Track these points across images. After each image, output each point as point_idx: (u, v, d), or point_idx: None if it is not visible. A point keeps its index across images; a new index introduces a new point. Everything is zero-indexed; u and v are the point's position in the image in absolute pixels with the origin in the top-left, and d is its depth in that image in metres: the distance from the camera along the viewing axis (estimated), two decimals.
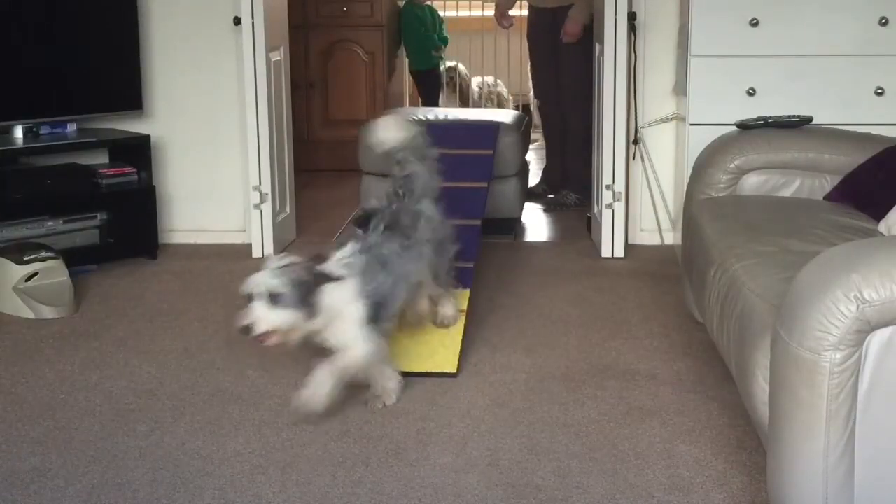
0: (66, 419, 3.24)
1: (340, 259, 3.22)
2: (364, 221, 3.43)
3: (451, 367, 3.60)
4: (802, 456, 2.30)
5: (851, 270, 2.23)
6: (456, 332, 3.78)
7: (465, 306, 3.93)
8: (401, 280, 3.36)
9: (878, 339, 2.24)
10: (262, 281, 3.01)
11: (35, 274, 4.27)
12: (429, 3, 8.04)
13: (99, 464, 2.94)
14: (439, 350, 3.68)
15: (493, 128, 5.28)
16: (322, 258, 3.18)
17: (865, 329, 2.22)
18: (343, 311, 3.15)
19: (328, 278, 3.10)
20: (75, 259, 4.63)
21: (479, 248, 4.30)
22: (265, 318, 3.00)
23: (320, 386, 3.11)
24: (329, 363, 3.14)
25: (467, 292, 3.99)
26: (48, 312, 4.19)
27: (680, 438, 3.07)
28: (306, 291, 3.03)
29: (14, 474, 2.88)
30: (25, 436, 3.13)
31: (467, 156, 4.92)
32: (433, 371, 3.57)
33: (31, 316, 4.18)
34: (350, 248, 3.28)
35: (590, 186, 5.44)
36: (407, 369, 3.56)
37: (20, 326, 4.11)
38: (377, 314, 3.23)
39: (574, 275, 4.77)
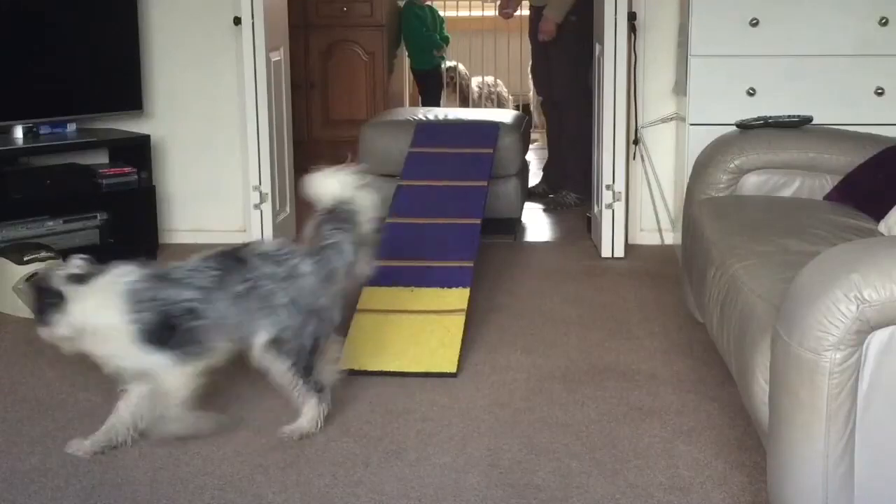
0: (66, 419, 3.24)
1: (114, 276, 2.97)
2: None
3: (451, 367, 3.60)
4: (802, 456, 2.30)
5: (851, 270, 2.23)
6: (456, 332, 3.78)
7: (465, 306, 3.93)
8: (210, 317, 2.99)
9: (878, 339, 2.24)
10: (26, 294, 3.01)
11: (35, 274, 4.26)
12: (429, 3, 8.04)
13: (99, 464, 2.94)
14: (439, 350, 3.68)
15: (493, 127, 5.28)
16: (90, 274, 2.99)
17: (865, 329, 2.22)
18: (101, 328, 2.93)
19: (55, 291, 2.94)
20: None
21: (479, 247, 4.30)
22: (41, 331, 3.01)
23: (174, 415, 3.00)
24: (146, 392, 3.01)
25: (467, 292, 4.00)
26: None
27: (680, 438, 3.07)
28: (41, 304, 2.96)
29: (14, 474, 2.88)
30: (25, 436, 3.13)
31: (467, 155, 4.92)
32: (433, 371, 3.57)
33: (32, 316, 4.17)
34: (128, 267, 3.02)
35: (590, 186, 5.45)
36: (407, 369, 3.58)
37: (20, 326, 4.11)
38: (166, 339, 2.94)
39: (574, 275, 4.77)
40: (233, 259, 3.07)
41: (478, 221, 4.40)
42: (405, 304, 3.91)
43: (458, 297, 3.95)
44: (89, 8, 5.01)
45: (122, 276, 2.97)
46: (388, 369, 3.60)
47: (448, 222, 4.40)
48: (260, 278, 3.04)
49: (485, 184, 4.69)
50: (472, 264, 4.14)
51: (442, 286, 4.00)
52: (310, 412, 3.10)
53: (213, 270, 3.02)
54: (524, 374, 3.57)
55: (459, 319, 3.84)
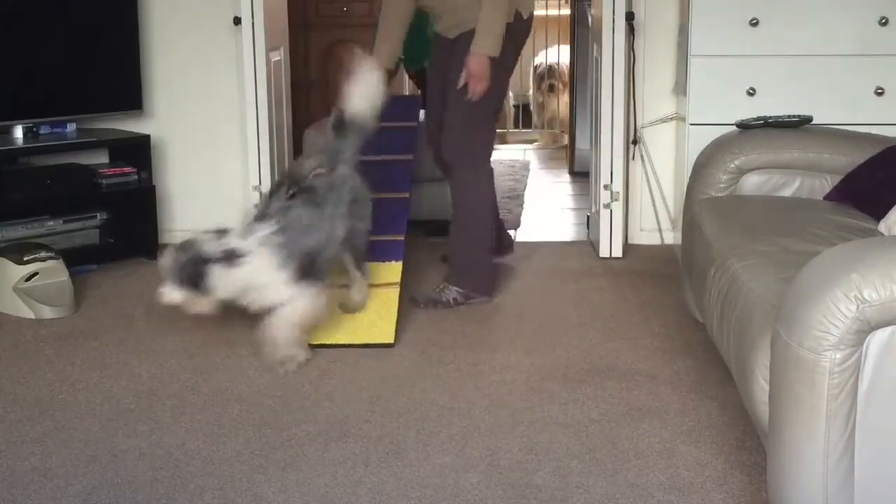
0: (66, 419, 3.24)
1: (252, 233, 3.48)
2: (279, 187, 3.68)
3: (389, 339, 3.75)
4: (802, 456, 2.30)
5: (851, 270, 2.23)
6: (391, 305, 3.92)
7: (398, 279, 4.05)
8: (324, 237, 3.60)
9: (878, 339, 2.24)
10: (167, 261, 3.45)
11: (35, 274, 4.27)
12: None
13: (99, 464, 2.94)
14: (377, 322, 3.83)
15: (414, 101, 5.21)
16: (223, 233, 3.47)
17: (865, 329, 2.22)
18: (266, 279, 3.45)
19: (227, 255, 3.41)
20: (75, 259, 4.63)
21: (408, 222, 4.39)
22: (169, 295, 3.46)
23: (279, 341, 3.52)
24: (274, 321, 3.51)
25: (400, 265, 4.11)
26: (48, 312, 4.19)
27: (680, 438, 3.07)
28: (192, 271, 3.40)
29: (14, 474, 2.88)
30: (25, 436, 3.13)
31: (393, 129, 4.89)
32: (372, 342, 3.73)
33: (31, 316, 4.18)
34: (262, 223, 3.52)
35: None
36: (346, 341, 3.75)
37: (20, 326, 4.11)
38: (307, 271, 3.51)
39: (574, 275, 4.77)
40: (321, 189, 3.69)
41: (406, 195, 4.45)
42: (341, 278, 4.02)
43: (392, 270, 4.08)
44: (90, 8, 5.01)
45: None
46: (328, 342, 3.75)
47: (377, 197, 4.44)
48: (338, 199, 3.73)
49: (410, 157, 4.71)
50: (402, 238, 4.23)
51: (375, 260, 4.10)
52: (359, 292, 3.97)
53: (314, 205, 3.65)
54: (524, 374, 3.57)
55: (394, 293, 3.97)
